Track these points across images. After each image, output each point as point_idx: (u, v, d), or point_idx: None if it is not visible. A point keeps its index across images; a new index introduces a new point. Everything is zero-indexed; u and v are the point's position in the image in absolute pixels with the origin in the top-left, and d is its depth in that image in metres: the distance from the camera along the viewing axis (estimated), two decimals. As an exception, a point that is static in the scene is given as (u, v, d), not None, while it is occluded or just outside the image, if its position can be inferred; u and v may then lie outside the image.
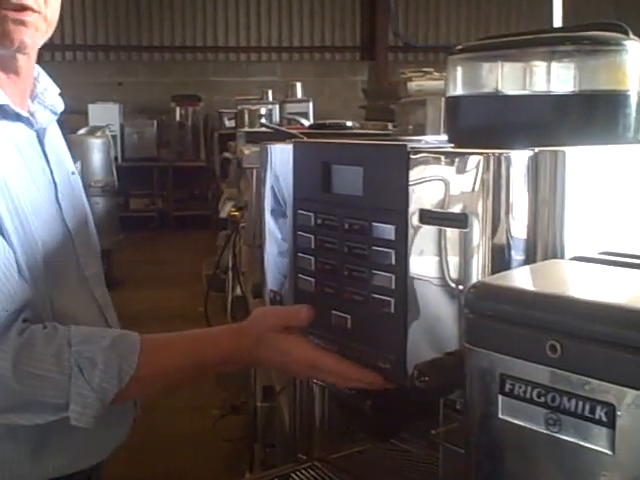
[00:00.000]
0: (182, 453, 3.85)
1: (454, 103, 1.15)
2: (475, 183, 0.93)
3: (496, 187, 0.92)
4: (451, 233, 0.96)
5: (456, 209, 0.95)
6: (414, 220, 0.99)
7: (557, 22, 3.23)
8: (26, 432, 1.20)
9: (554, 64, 1.04)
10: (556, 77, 1.04)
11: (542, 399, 0.74)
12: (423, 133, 2.22)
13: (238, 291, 3.23)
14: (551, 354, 0.73)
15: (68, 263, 1.31)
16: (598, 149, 0.98)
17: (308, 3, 12.22)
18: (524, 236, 0.93)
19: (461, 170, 0.95)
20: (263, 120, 5.85)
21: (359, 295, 1.08)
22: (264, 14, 12.16)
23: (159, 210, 11.32)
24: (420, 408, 1.12)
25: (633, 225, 1.00)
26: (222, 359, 1.23)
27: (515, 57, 1.07)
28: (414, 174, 0.99)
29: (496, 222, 0.92)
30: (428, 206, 0.98)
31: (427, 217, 0.98)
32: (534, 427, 0.75)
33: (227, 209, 3.65)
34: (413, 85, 4.19)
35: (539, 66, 1.05)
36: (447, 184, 0.96)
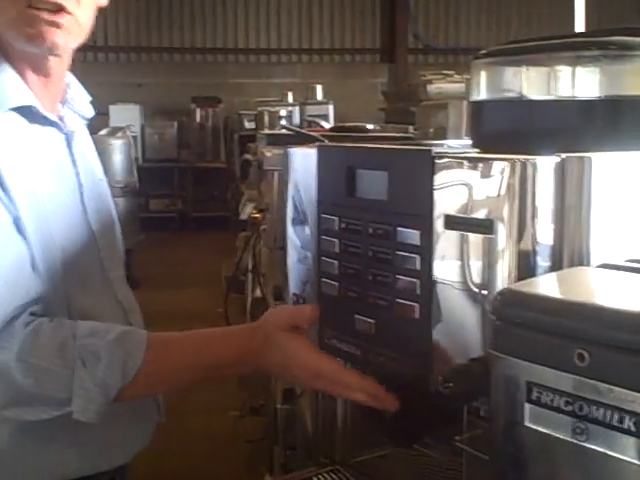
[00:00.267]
0: (202, 454, 3.86)
1: (478, 108, 1.15)
2: (501, 189, 0.92)
3: (522, 193, 0.92)
4: (475, 238, 0.96)
5: (480, 214, 0.95)
6: (438, 225, 0.99)
7: (579, 23, 3.20)
8: (44, 431, 1.20)
9: (579, 69, 1.03)
10: (581, 82, 1.03)
11: (569, 407, 0.73)
12: (444, 137, 2.20)
13: (258, 293, 3.24)
14: (579, 362, 0.72)
15: (92, 265, 1.32)
16: (624, 155, 0.97)
17: (328, 5, 12.23)
18: (550, 242, 0.93)
19: (486, 175, 0.94)
20: (283, 122, 5.85)
21: (383, 300, 1.08)
22: (284, 16, 12.19)
23: (179, 211, 11.38)
24: (444, 414, 1.11)
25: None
26: (233, 359, 1.22)
27: (540, 62, 1.06)
28: (439, 179, 0.99)
29: (522, 228, 0.92)
30: (452, 211, 0.98)
31: (452, 222, 0.97)
32: (561, 435, 0.75)
33: (248, 211, 3.66)
34: (433, 88, 4.17)
35: (564, 71, 1.04)
36: (472, 189, 0.96)
